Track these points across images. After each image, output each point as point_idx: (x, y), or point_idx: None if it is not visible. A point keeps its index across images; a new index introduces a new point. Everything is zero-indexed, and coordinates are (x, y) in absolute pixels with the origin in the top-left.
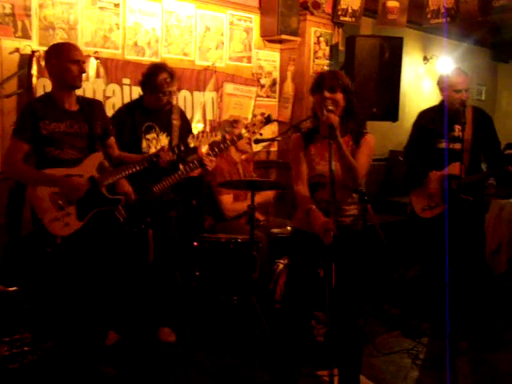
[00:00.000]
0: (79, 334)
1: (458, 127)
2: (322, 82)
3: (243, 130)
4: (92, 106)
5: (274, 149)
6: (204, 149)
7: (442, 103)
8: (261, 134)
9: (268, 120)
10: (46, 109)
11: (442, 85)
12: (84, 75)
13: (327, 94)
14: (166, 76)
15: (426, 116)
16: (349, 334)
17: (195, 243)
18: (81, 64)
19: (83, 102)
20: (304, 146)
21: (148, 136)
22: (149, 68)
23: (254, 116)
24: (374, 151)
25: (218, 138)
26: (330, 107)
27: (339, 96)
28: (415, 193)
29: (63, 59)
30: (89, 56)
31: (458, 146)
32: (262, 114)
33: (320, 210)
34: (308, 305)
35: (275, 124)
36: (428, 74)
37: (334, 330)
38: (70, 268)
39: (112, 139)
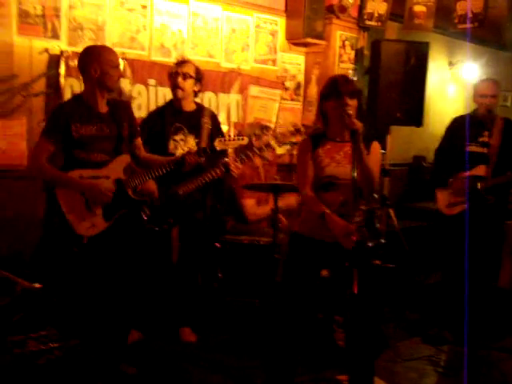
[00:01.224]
0: (103, 332)
1: (487, 133)
2: (340, 88)
3: (272, 141)
4: (120, 108)
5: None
6: (231, 154)
7: (475, 111)
8: (291, 145)
9: (298, 131)
10: (78, 111)
11: (473, 92)
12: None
13: (348, 100)
14: (178, 62)
15: (458, 122)
16: (364, 337)
17: (217, 244)
18: (119, 69)
19: (112, 103)
20: (312, 148)
21: (176, 137)
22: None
23: (285, 126)
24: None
25: (245, 141)
26: (350, 112)
27: (356, 102)
28: (441, 189)
29: (104, 63)
30: None
31: (485, 150)
32: (293, 125)
33: (334, 211)
34: (306, 309)
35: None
36: (453, 80)
37: (352, 333)
38: (96, 267)
39: (138, 140)
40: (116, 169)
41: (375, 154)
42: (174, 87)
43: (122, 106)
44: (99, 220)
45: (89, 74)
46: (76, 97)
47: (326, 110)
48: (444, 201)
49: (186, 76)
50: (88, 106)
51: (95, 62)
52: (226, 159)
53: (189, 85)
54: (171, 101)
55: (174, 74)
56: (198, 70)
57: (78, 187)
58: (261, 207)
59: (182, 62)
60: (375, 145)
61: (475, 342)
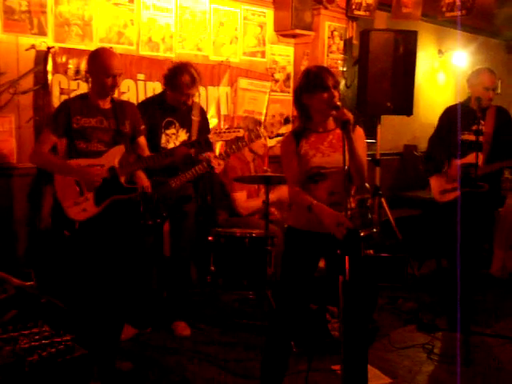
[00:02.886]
0: (96, 328)
1: (481, 122)
2: (323, 81)
3: (262, 129)
4: (124, 107)
5: None
6: (217, 150)
7: (468, 99)
8: (278, 135)
9: (286, 121)
10: (81, 105)
11: (471, 81)
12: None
13: (334, 92)
14: (187, 79)
15: (451, 111)
16: (357, 326)
17: (210, 238)
18: (115, 78)
19: (117, 102)
20: (296, 143)
21: (168, 131)
22: (174, 66)
23: (273, 116)
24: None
25: (241, 133)
26: (338, 103)
27: (338, 93)
28: (434, 177)
29: (100, 72)
30: None
31: (479, 138)
32: (281, 115)
33: (325, 201)
34: (302, 301)
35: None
36: (443, 68)
37: (343, 322)
38: (87, 256)
39: (142, 139)
40: (111, 158)
41: (359, 140)
42: (183, 102)
43: (126, 105)
44: (90, 205)
45: (90, 75)
46: (82, 94)
47: (307, 102)
48: (437, 188)
49: (192, 95)
50: (90, 102)
51: (94, 67)
52: (209, 155)
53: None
54: (161, 95)
55: (184, 94)
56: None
57: (73, 172)
58: (252, 200)
59: (193, 83)
60: (359, 129)
61: (468, 329)
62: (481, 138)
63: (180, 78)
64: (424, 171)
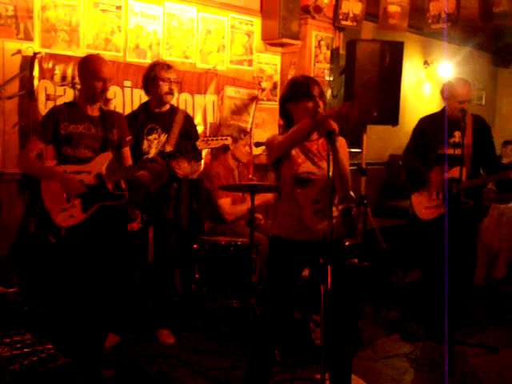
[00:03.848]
0: (80, 335)
1: (458, 133)
2: (309, 90)
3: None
4: (112, 116)
5: None
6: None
7: (442, 110)
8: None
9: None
10: (69, 112)
11: (445, 94)
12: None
13: (320, 102)
14: (161, 64)
15: (426, 122)
16: (340, 336)
17: (195, 246)
18: (106, 82)
19: (105, 111)
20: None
21: (149, 137)
22: (147, 67)
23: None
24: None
25: (229, 141)
26: (323, 113)
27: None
28: (416, 194)
29: (89, 75)
30: None
31: (458, 151)
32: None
33: (310, 210)
34: (285, 309)
35: (276, 127)
36: (428, 79)
37: (328, 331)
38: (72, 263)
39: (126, 150)
40: (98, 164)
41: (342, 149)
42: (166, 93)
43: (114, 114)
44: (77, 211)
45: (79, 81)
46: (70, 102)
47: (291, 110)
48: (420, 205)
49: (174, 81)
50: (78, 109)
51: (83, 71)
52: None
53: (176, 89)
54: (145, 104)
55: (163, 79)
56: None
57: (55, 178)
58: (237, 206)
59: (168, 67)
60: (341, 139)
61: (451, 338)
62: (458, 151)
63: (155, 67)
64: (408, 188)
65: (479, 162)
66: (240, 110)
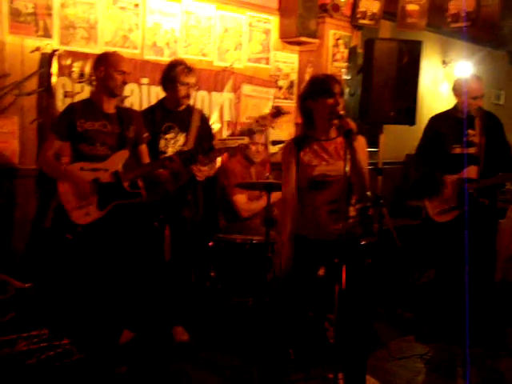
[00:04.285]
0: (95, 331)
1: (471, 132)
2: (330, 87)
3: (254, 124)
4: (129, 113)
5: None
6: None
7: (455, 108)
8: (272, 128)
9: (277, 114)
10: (85, 110)
11: (459, 91)
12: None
13: (340, 100)
14: (182, 67)
15: (438, 121)
16: (355, 335)
17: (210, 243)
18: (125, 75)
19: (121, 109)
20: (296, 150)
21: (167, 136)
22: (167, 64)
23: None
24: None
25: (246, 141)
26: (341, 112)
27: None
28: (430, 197)
29: (109, 67)
30: None
31: (472, 150)
32: (274, 107)
33: (326, 210)
34: (302, 308)
35: (292, 126)
36: (446, 78)
37: (341, 330)
38: (89, 259)
39: (143, 147)
40: (115, 162)
41: (362, 148)
42: (183, 97)
43: (131, 112)
44: (93, 209)
45: (96, 76)
46: (86, 99)
47: (311, 109)
48: (434, 208)
49: (192, 86)
50: (95, 106)
51: (102, 65)
52: (192, 166)
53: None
54: (162, 100)
55: (182, 83)
56: (190, 65)
57: (69, 179)
58: (253, 202)
59: (189, 71)
60: (360, 138)
61: (467, 340)
62: (472, 150)
63: (176, 68)
64: (415, 192)
65: (493, 160)
66: (257, 108)
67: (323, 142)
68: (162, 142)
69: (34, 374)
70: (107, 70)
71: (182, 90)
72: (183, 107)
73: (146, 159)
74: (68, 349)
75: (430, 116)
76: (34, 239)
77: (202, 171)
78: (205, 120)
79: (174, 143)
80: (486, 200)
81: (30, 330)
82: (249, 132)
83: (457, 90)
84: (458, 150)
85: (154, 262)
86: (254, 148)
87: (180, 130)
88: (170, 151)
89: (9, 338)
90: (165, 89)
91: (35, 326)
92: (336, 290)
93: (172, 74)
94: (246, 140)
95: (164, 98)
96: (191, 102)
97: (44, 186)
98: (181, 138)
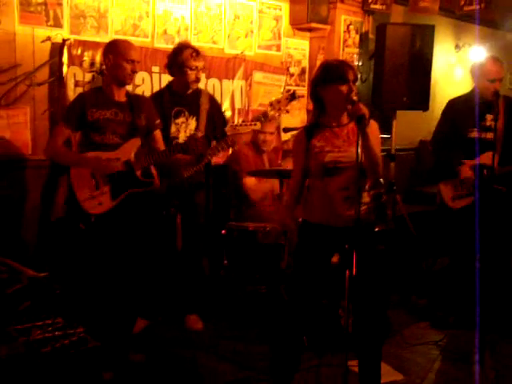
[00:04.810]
0: (109, 319)
1: (489, 117)
2: (343, 73)
3: (268, 108)
4: (140, 101)
5: None
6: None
7: (472, 92)
8: (287, 112)
9: (293, 96)
10: (95, 98)
11: (475, 73)
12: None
13: (353, 86)
14: (190, 51)
15: (455, 105)
16: (369, 322)
17: (223, 231)
18: (135, 64)
19: (132, 96)
20: (306, 140)
21: (177, 121)
22: (173, 48)
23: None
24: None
25: (258, 127)
26: (355, 98)
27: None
28: (444, 182)
29: (119, 56)
30: None
31: (489, 135)
32: (288, 91)
33: (339, 197)
34: (316, 295)
35: (304, 113)
36: (460, 63)
37: (355, 317)
38: (102, 248)
39: (157, 133)
40: (127, 151)
41: (374, 134)
42: (192, 81)
43: (142, 99)
44: (106, 198)
45: (105, 65)
46: (97, 87)
47: (323, 94)
48: (448, 193)
49: (201, 69)
50: (105, 95)
51: (112, 54)
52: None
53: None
54: (169, 85)
55: (191, 67)
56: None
57: (88, 163)
58: (262, 183)
59: (197, 54)
60: (373, 124)
61: (484, 327)
62: (489, 135)
63: (183, 53)
64: (434, 177)
65: (511, 146)
66: (268, 95)
67: (335, 128)
68: (173, 127)
69: (49, 362)
70: (116, 58)
71: (192, 75)
72: (191, 91)
73: (161, 145)
74: (83, 337)
75: (444, 101)
76: (45, 229)
77: (217, 156)
78: (214, 103)
79: (185, 127)
80: (504, 187)
81: (45, 319)
82: (264, 116)
83: (473, 72)
84: (473, 134)
85: (167, 251)
86: (262, 137)
87: (190, 113)
88: (182, 136)
89: (24, 326)
90: (172, 73)
91: (50, 314)
92: (347, 275)
93: (179, 59)
94: (258, 126)
95: (171, 82)
96: (202, 86)
97: (58, 176)
98: (192, 122)
